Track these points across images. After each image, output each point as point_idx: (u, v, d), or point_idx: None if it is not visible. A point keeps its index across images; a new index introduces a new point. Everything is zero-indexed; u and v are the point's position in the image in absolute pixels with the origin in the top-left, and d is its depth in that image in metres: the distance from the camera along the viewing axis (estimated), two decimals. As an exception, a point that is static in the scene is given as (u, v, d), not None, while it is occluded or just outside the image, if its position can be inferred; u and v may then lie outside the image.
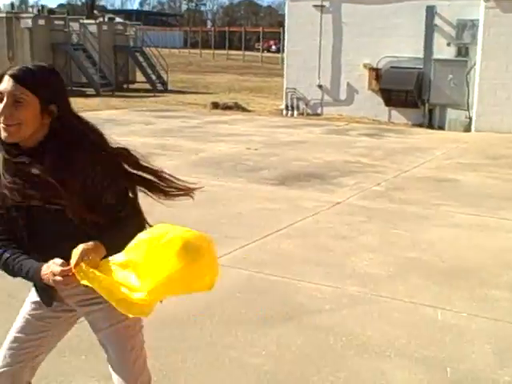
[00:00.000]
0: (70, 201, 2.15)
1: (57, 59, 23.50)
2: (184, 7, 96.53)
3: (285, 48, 18.90)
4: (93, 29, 25.51)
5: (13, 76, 2.16)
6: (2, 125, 2.15)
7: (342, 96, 17.58)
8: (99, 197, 2.20)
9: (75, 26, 24.99)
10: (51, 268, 2.11)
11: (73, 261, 2.07)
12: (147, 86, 26.28)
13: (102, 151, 2.27)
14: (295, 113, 18.10)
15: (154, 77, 26.62)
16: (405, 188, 8.70)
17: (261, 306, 4.57)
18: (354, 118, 16.93)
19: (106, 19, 27.74)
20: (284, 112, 18.21)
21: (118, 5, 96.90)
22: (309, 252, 5.87)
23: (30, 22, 23.05)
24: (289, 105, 18.29)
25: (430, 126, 16.25)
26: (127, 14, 58.74)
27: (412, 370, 3.76)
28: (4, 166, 2.22)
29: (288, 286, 5.00)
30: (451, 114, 16.17)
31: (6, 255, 2.23)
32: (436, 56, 16.14)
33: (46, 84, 2.20)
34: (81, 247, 2.08)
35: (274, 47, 54.89)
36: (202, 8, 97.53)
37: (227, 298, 4.68)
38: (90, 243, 2.11)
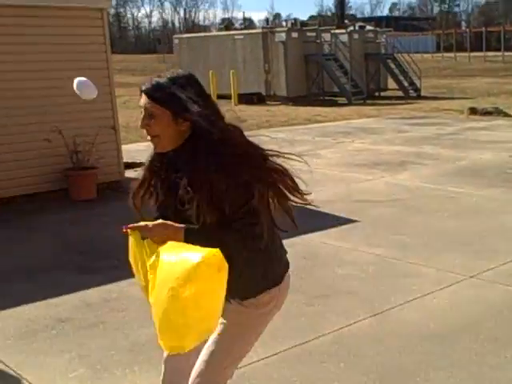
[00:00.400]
0: (199, 205, 2.23)
1: (309, 70, 24.35)
2: (436, 10, 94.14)
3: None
4: (344, 38, 25.96)
5: (144, 91, 2.28)
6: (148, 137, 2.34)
7: None
8: (224, 202, 2.24)
9: (326, 36, 25.62)
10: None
11: (136, 224, 2.27)
12: (399, 93, 26.04)
13: (238, 156, 2.29)
14: None
15: (406, 83, 26.31)
16: None
17: None
18: None
19: (357, 28, 28.03)
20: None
21: (367, 12, 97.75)
22: None
23: (283, 36, 24.15)
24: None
25: None
26: (377, 21, 58.79)
27: None
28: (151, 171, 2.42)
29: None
30: None
31: None
32: None
33: (174, 96, 2.25)
34: (159, 223, 2.26)
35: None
36: (456, 9, 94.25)
37: (493, 316, 4.41)
38: (173, 226, 2.25)
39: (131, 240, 2.32)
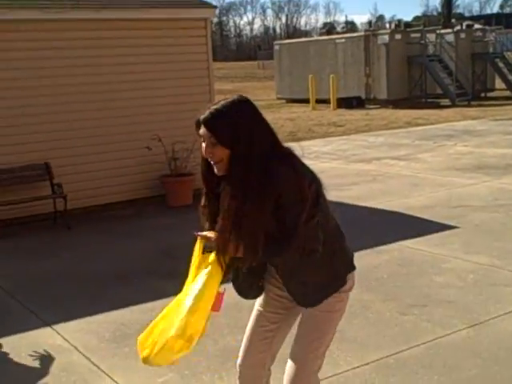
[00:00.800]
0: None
1: (412, 71, 23.80)
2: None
3: None
4: (450, 38, 25.18)
5: (203, 121, 2.37)
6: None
7: None
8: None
9: (431, 37, 24.94)
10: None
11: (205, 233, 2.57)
12: (507, 93, 24.98)
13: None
14: None
15: (514, 83, 25.18)
16: None
17: None
18: None
19: (464, 27, 27.12)
20: None
21: (476, 10, 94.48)
22: None
23: (386, 38, 23.73)
24: None
25: None
26: (487, 19, 56.66)
27: None
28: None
29: None
30: None
31: None
32: None
33: (225, 127, 2.33)
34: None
35: None
36: None
37: None
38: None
39: (196, 246, 2.60)
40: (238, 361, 2.75)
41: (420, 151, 12.16)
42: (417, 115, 19.35)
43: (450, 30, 26.55)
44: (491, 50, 26.28)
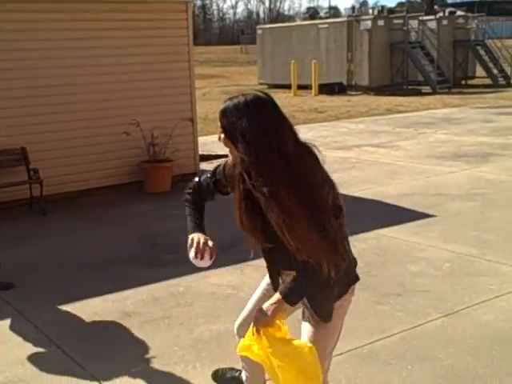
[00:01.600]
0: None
1: (394, 58, 23.80)
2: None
3: None
4: (432, 25, 25.20)
5: (220, 113, 2.37)
6: None
7: None
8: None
9: (414, 23, 24.93)
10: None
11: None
12: (488, 81, 25.07)
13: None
14: None
15: (495, 71, 25.28)
16: None
17: None
18: None
19: (446, 13, 27.13)
20: None
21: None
22: None
23: (369, 24, 23.68)
24: None
25: None
26: (469, 6, 56.81)
27: None
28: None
29: None
30: None
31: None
32: None
33: (231, 124, 2.31)
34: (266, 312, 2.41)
35: None
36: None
37: None
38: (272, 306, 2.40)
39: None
40: (236, 324, 2.91)
41: (400, 138, 12.18)
42: (398, 102, 19.37)
43: (432, 17, 26.58)
44: (473, 37, 26.35)
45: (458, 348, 3.86)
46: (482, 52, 25.57)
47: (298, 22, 45.08)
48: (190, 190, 2.76)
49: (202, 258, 2.51)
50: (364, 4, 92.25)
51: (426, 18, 26.68)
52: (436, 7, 36.28)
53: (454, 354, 3.79)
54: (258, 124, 2.27)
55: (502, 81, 24.92)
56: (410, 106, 18.23)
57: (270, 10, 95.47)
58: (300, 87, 23.99)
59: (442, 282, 4.93)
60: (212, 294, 4.85)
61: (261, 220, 2.37)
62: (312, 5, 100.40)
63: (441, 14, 27.11)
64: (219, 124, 2.38)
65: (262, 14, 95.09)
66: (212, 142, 10.93)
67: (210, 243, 2.54)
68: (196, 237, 2.55)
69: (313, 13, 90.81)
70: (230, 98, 2.36)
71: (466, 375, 3.55)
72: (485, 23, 28.80)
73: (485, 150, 10.37)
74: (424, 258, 5.46)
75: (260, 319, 2.41)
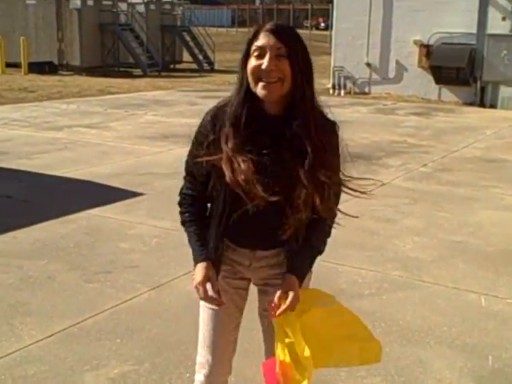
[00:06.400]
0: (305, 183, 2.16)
1: (105, 40, 23.69)
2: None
3: (333, 25, 18.60)
4: (140, 8, 25.54)
5: (272, 31, 2.11)
6: (261, 83, 2.11)
7: (391, 74, 17.22)
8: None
9: (123, 6, 25.06)
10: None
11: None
12: (194, 66, 26.28)
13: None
14: (342, 92, 17.83)
15: (200, 56, 26.57)
16: (453, 169, 8.47)
17: (299, 290, 4.50)
18: (403, 96, 16.59)
19: (154, -1, 27.72)
20: (331, 91, 17.95)
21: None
22: (351, 235, 5.75)
23: (78, 3, 23.21)
24: (336, 84, 18.03)
25: (482, 104, 15.78)
26: (176, -7, 58.68)
27: (452, 357, 3.64)
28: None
29: (329, 270, 4.91)
30: (504, 91, 15.64)
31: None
32: (490, 31, 15.61)
33: (296, 46, 2.13)
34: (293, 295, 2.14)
35: (322, 24, 54.11)
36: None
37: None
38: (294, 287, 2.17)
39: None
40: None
41: (111, 120, 12.24)
42: (109, 84, 19.36)
43: (140, 1, 26.96)
44: (179, 23, 27.34)
45: (164, 318, 4.09)
46: (188, 38, 26.66)
47: (2, -4, 42.34)
48: (182, 208, 2.37)
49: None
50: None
51: (134, 1, 26.97)
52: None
53: (160, 324, 4.01)
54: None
55: (206, 66, 26.28)
56: (122, 88, 18.35)
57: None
58: (9, 65, 22.62)
59: (150, 256, 5.14)
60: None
61: (272, 162, 2.14)
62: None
63: (149, -1, 27.61)
64: (278, 47, 2.09)
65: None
66: None
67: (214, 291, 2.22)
68: (196, 287, 2.22)
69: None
70: (280, 24, 2.16)
71: (170, 341, 3.79)
72: (190, 11, 30.08)
73: (191, 131, 10.87)
74: (133, 235, 5.63)
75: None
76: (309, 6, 52.21)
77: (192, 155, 2.28)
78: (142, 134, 10.62)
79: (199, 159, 2.21)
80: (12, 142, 9.72)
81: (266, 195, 2.10)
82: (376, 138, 10.68)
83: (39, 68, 22.46)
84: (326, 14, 46.32)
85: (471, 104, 15.78)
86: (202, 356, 2.43)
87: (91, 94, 16.97)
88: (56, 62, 23.49)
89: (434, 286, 4.64)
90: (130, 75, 22.92)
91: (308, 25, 49.28)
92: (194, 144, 2.27)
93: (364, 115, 13.60)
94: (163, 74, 23.38)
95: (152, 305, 4.30)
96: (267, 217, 2.18)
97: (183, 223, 2.36)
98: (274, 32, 2.09)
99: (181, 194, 2.37)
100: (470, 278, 4.82)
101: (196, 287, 2.22)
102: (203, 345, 2.42)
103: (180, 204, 2.37)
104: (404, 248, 5.45)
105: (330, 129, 2.26)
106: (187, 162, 2.32)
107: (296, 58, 2.10)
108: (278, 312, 2.12)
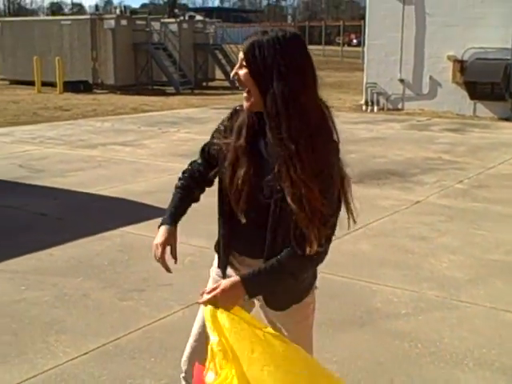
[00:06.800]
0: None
1: (138, 58, 24.00)
2: (264, 3, 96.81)
3: (365, 41, 18.58)
4: (173, 27, 25.87)
5: (247, 44, 2.07)
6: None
7: (425, 90, 17.09)
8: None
9: (156, 25, 25.40)
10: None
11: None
12: (226, 83, 26.45)
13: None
14: (375, 108, 17.75)
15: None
16: (489, 186, 8.34)
17: (334, 310, 4.46)
18: (437, 112, 16.43)
19: (187, 17, 28.06)
20: (364, 107, 17.89)
21: (199, 3, 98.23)
22: (385, 253, 5.69)
23: (112, 23, 23.60)
24: (369, 100, 17.95)
25: (518, 119, 15.56)
26: (208, 12, 59.38)
27: (492, 380, 3.56)
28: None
29: (363, 289, 4.86)
30: (541, 107, 15.41)
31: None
32: (525, 46, 15.41)
33: (261, 55, 2.02)
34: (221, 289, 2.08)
35: (355, 41, 54.15)
36: (283, 3, 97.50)
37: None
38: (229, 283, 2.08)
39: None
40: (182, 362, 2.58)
41: (145, 137, 12.35)
42: (143, 102, 19.58)
43: (173, 20, 27.31)
44: (211, 41, 27.59)
45: (199, 336, 4.07)
46: (220, 56, 26.89)
47: (40, 17, 43.29)
48: (182, 175, 2.47)
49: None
50: (109, 3, 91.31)
51: (167, 20, 27.35)
52: (177, 11, 37.26)
53: (194, 343, 3.99)
54: (295, 61, 2.01)
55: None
56: (155, 106, 18.55)
57: (11, 2, 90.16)
58: (44, 84, 23.07)
59: (183, 275, 5.12)
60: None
61: (256, 183, 2.08)
62: (56, 0, 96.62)
63: (181, 18, 27.96)
64: (241, 57, 2.06)
65: (1, 6, 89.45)
66: None
67: (166, 254, 2.35)
68: (154, 247, 2.35)
69: (56, 8, 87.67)
70: (263, 32, 2.05)
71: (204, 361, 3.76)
72: (222, 29, 30.36)
73: (224, 148, 10.95)
74: (167, 253, 5.61)
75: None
76: (341, 23, 52.28)
77: (210, 138, 2.35)
78: (175, 152, 10.68)
79: (214, 141, 2.28)
80: (47, 160, 9.87)
81: (237, 210, 2.14)
82: (410, 154, 10.58)
83: (74, 87, 22.84)
84: (359, 31, 46.32)
85: (507, 119, 15.55)
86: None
87: (125, 112, 17.17)
88: (90, 81, 23.87)
89: (471, 306, 4.55)
90: (163, 93, 23.15)
91: (340, 41, 49.30)
92: (214, 131, 2.35)
93: (397, 131, 13.50)
94: (196, 91, 23.58)
95: (185, 323, 4.26)
96: (253, 225, 2.15)
97: (175, 187, 2.46)
98: (246, 48, 2.07)
99: (189, 164, 2.47)
100: (509, 297, 4.72)
101: (156, 246, 2.34)
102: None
103: (183, 171, 2.47)
104: (440, 267, 5.36)
105: (323, 160, 2.03)
106: (205, 143, 2.39)
107: (255, 67, 2.03)
108: (201, 300, 2.12)
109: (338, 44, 49.07)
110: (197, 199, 2.48)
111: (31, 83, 23.40)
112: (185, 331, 4.16)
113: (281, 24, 56.95)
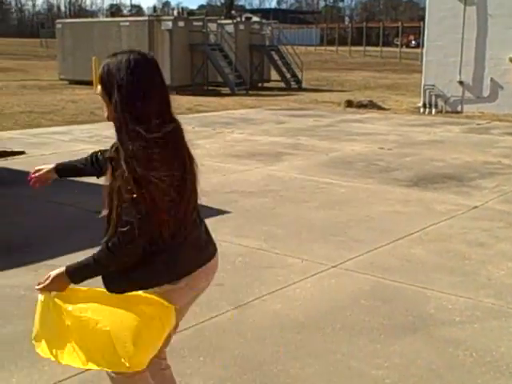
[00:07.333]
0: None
1: (194, 59, 24.19)
2: (322, 4, 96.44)
3: (424, 43, 18.26)
4: (230, 29, 25.98)
5: (102, 65, 2.42)
6: None
7: (485, 92, 16.70)
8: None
9: (213, 26, 25.56)
10: None
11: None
12: (282, 84, 26.42)
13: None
14: (433, 110, 17.42)
15: (288, 75, 26.70)
16: (551, 191, 8.06)
17: (386, 315, 4.36)
18: (497, 115, 16.02)
19: (243, 19, 28.15)
20: (421, 110, 17.59)
21: (256, 4, 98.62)
22: (441, 258, 5.55)
23: (170, 24, 23.86)
24: (426, 102, 17.65)
25: None
26: (265, 13, 59.49)
27: (552, 394, 3.41)
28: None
29: (416, 295, 4.75)
30: None
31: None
32: None
33: (108, 75, 2.36)
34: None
35: (413, 42, 53.41)
36: (340, 4, 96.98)
37: (351, 305, 4.52)
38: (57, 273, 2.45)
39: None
40: None
41: (199, 137, 12.40)
42: (198, 102, 19.72)
43: (229, 21, 27.43)
44: (267, 42, 27.61)
45: (248, 338, 4.05)
46: (276, 57, 26.89)
47: (99, 19, 44.19)
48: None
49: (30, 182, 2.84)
50: (167, 5, 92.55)
51: (224, 21, 27.48)
52: (233, 12, 37.46)
53: (243, 344, 3.97)
54: (137, 78, 2.34)
55: (294, 84, 26.38)
56: (210, 106, 18.66)
57: (72, 4, 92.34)
58: (101, 84, 23.49)
59: (234, 275, 5.12)
60: (2, 297, 4.62)
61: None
62: (115, 1, 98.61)
63: (238, 19, 28.07)
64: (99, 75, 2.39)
65: (63, 8, 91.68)
66: (8, 139, 10.34)
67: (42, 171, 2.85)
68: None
69: (116, 10, 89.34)
70: (115, 54, 2.42)
71: (253, 362, 3.74)
72: (278, 30, 30.35)
73: (277, 149, 10.93)
74: (218, 254, 5.61)
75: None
76: (399, 24, 51.51)
77: None
78: (229, 152, 10.70)
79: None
80: (104, 159, 9.98)
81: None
82: (469, 158, 10.33)
83: (132, 87, 23.15)
84: (417, 32, 45.61)
85: None
86: None
87: (181, 112, 17.30)
88: (148, 81, 24.15)
89: (530, 316, 4.39)
90: (219, 94, 23.28)
91: (398, 43, 48.67)
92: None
93: (456, 135, 13.21)
94: (251, 92, 23.62)
95: (235, 324, 4.27)
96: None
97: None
98: (101, 67, 2.43)
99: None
100: None
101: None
102: None
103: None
104: (498, 274, 5.19)
105: None
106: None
107: (103, 85, 2.38)
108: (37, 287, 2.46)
109: (396, 45, 48.47)
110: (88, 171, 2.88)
111: (89, 83, 23.85)
112: (234, 331, 4.16)
113: (338, 25, 56.54)
